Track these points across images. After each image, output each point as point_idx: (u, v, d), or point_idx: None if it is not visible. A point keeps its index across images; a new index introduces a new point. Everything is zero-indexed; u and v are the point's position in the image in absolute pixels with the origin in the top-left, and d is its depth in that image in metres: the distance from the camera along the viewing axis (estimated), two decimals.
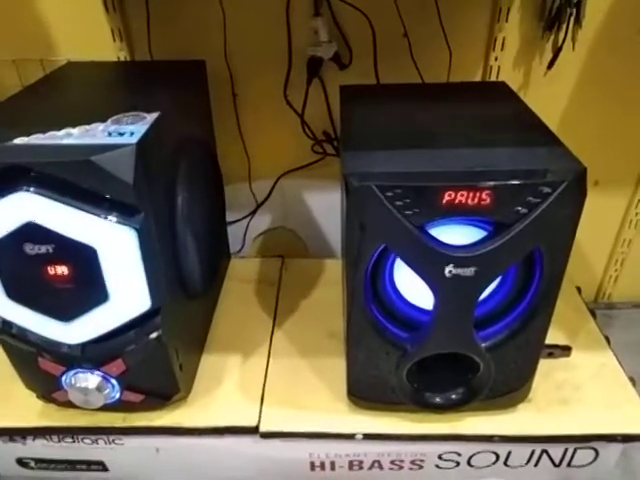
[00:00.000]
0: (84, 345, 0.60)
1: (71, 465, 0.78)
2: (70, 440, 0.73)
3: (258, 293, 0.89)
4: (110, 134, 0.53)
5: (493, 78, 0.86)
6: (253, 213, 1.00)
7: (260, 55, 0.86)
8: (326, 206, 1.00)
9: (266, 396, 0.71)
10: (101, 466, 0.78)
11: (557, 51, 0.83)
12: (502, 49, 0.84)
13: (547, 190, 0.50)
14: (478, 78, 0.88)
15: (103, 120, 0.56)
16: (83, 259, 0.54)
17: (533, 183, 0.51)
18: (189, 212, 0.65)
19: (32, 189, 0.51)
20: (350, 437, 0.67)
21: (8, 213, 0.52)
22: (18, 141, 0.52)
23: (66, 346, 0.60)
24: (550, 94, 0.87)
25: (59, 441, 0.73)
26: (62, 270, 0.54)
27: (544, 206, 0.50)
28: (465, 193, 0.51)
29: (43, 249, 0.53)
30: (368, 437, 0.66)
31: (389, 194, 0.51)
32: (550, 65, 0.84)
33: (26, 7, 0.83)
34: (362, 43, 0.84)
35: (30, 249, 0.53)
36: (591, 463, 0.72)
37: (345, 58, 0.85)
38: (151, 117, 0.57)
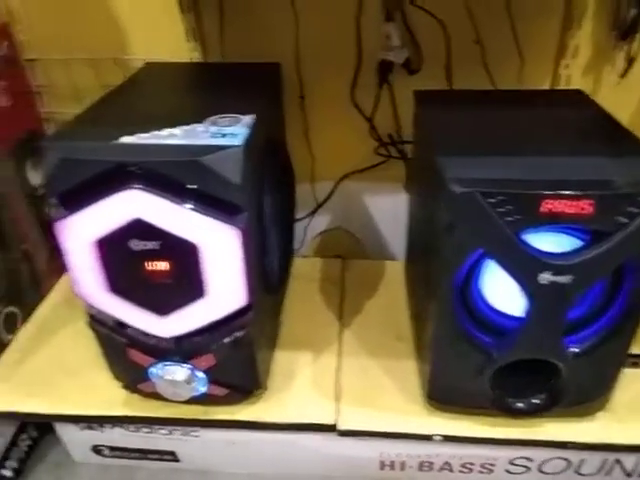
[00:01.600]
0: (177, 338, 0.62)
1: (144, 454, 0.80)
2: (147, 430, 0.76)
3: (322, 292, 0.90)
4: (213, 135, 0.55)
5: (563, 85, 0.86)
6: (313, 213, 1.01)
7: (329, 58, 0.87)
8: (385, 208, 1.01)
9: (341, 395, 0.72)
10: (172, 456, 0.80)
11: (630, 61, 0.83)
12: (574, 57, 0.84)
13: None
14: (547, 85, 0.88)
15: (199, 121, 0.58)
16: (185, 256, 0.55)
17: (635, 193, 0.51)
18: (274, 211, 0.66)
19: (142, 187, 0.52)
20: (427, 438, 0.67)
21: (117, 210, 0.53)
22: (125, 140, 0.54)
23: (158, 339, 0.62)
24: (620, 102, 0.86)
25: (136, 430, 0.76)
26: (164, 266, 0.56)
27: None
28: (567, 202, 0.51)
29: (149, 245, 0.55)
30: (446, 439, 0.67)
31: (491, 200, 0.51)
32: (623, 74, 0.84)
33: (101, 7, 0.86)
34: (432, 48, 0.85)
35: (135, 245, 0.55)
36: None
37: (415, 63, 0.86)
38: (247, 119, 0.59)
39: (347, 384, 0.73)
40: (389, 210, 1.00)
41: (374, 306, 0.87)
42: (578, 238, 0.55)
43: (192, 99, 0.71)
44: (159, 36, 0.87)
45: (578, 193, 0.51)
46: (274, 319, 0.81)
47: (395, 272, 0.93)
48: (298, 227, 1.03)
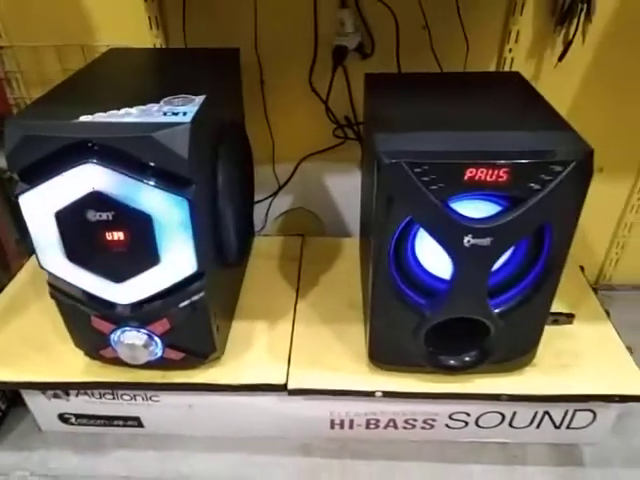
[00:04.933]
0: (134, 305, 0.66)
1: (109, 421, 0.85)
2: (110, 397, 0.80)
3: (281, 268, 0.95)
4: (165, 113, 0.59)
5: (507, 68, 0.91)
6: (275, 194, 1.06)
7: (288, 44, 0.91)
8: (343, 188, 1.06)
9: (293, 358, 0.77)
10: (137, 422, 0.85)
11: (568, 44, 0.88)
12: (516, 41, 0.89)
13: (558, 169, 0.56)
14: (492, 68, 0.93)
15: (156, 101, 0.62)
16: (139, 225, 0.60)
17: (546, 162, 0.56)
18: (229, 188, 0.71)
19: (98, 161, 0.56)
20: (370, 394, 0.73)
21: (75, 183, 0.58)
22: (84, 118, 0.58)
23: (117, 306, 0.66)
24: (560, 85, 0.92)
25: (100, 397, 0.80)
26: (119, 235, 0.61)
27: (555, 183, 0.56)
28: (485, 170, 0.57)
29: (104, 216, 0.59)
30: (387, 395, 0.73)
31: (417, 170, 0.56)
32: (561, 57, 0.89)
33: None
34: (384, 34, 0.90)
35: (92, 216, 0.59)
36: (589, 425, 0.79)
37: (367, 48, 0.91)
38: (199, 99, 0.63)
39: (300, 349, 0.79)
40: (347, 189, 1.05)
41: (330, 279, 0.92)
42: (498, 204, 0.61)
43: (152, 82, 0.75)
44: (124, 24, 0.91)
45: (493, 162, 0.56)
46: (232, 291, 0.86)
47: (351, 248, 0.98)
48: (261, 208, 1.07)
